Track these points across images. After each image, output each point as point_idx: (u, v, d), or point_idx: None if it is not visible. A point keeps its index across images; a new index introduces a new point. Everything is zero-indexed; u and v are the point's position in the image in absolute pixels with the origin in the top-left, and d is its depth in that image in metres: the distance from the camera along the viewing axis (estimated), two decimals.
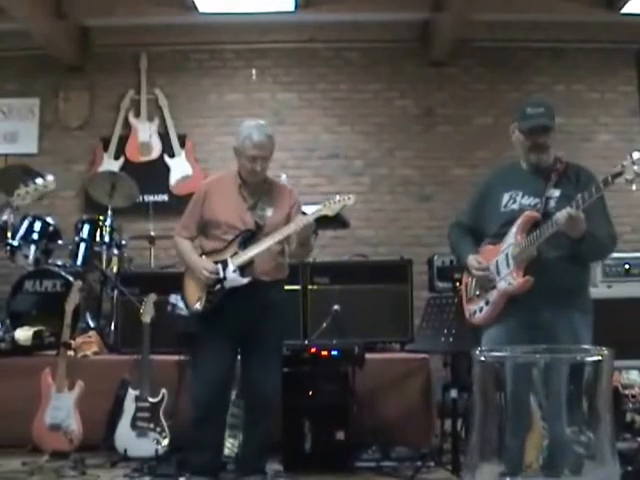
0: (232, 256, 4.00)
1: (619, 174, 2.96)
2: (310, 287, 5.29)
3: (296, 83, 7.51)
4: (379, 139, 7.44)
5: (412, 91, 7.50)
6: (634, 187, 3.00)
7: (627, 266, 5.06)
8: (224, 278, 3.99)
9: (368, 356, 4.62)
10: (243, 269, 3.99)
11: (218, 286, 4.00)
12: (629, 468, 3.58)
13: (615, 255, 5.10)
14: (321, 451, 4.36)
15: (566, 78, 7.51)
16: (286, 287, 4.33)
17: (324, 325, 5.00)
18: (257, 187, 4.12)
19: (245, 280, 3.97)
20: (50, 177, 4.29)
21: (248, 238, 4.03)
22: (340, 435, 4.37)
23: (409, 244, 7.00)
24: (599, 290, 4.77)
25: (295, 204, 4.16)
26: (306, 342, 4.90)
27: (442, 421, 4.68)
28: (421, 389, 4.90)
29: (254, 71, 7.52)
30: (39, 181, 4.23)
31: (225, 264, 3.99)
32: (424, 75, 7.49)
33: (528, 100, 3.49)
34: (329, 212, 4.03)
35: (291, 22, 7.27)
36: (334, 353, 4.52)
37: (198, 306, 4.06)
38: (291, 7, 6.91)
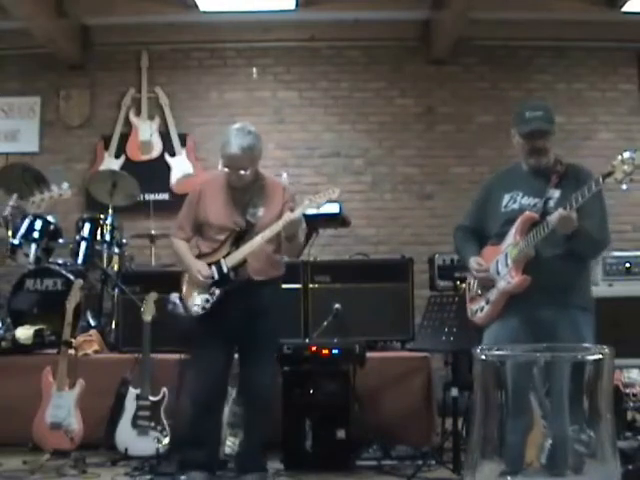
0: (225, 257, 3.99)
1: (610, 174, 2.99)
2: (311, 286, 5.28)
3: (297, 81, 7.51)
4: (380, 137, 7.44)
5: (413, 89, 7.49)
6: (624, 187, 2.99)
7: (628, 265, 5.06)
8: (219, 280, 3.97)
9: (369, 355, 4.62)
10: (236, 269, 3.98)
11: (214, 288, 3.99)
12: (630, 467, 3.58)
13: (616, 254, 5.11)
14: (322, 450, 4.35)
15: (567, 76, 7.51)
16: (286, 285, 4.31)
17: (325, 324, 4.99)
18: (248, 186, 4.08)
19: (240, 281, 3.96)
20: (65, 185, 4.36)
21: (240, 238, 3.99)
22: (341, 434, 4.37)
23: (410, 243, 7.00)
24: (600, 289, 4.77)
25: (288, 201, 4.08)
26: (307, 341, 4.90)
27: (443, 420, 4.68)
28: (422, 388, 4.89)
29: (255, 69, 7.52)
30: (54, 188, 4.28)
31: (219, 266, 3.98)
32: (425, 73, 7.48)
33: (526, 104, 3.50)
34: (314, 206, 3.99)
35: (292, 20, 7.27)
36: (335, 352, 4.51)
37: (197, 309, 4.04)
38: (292, 5, 6.91)
